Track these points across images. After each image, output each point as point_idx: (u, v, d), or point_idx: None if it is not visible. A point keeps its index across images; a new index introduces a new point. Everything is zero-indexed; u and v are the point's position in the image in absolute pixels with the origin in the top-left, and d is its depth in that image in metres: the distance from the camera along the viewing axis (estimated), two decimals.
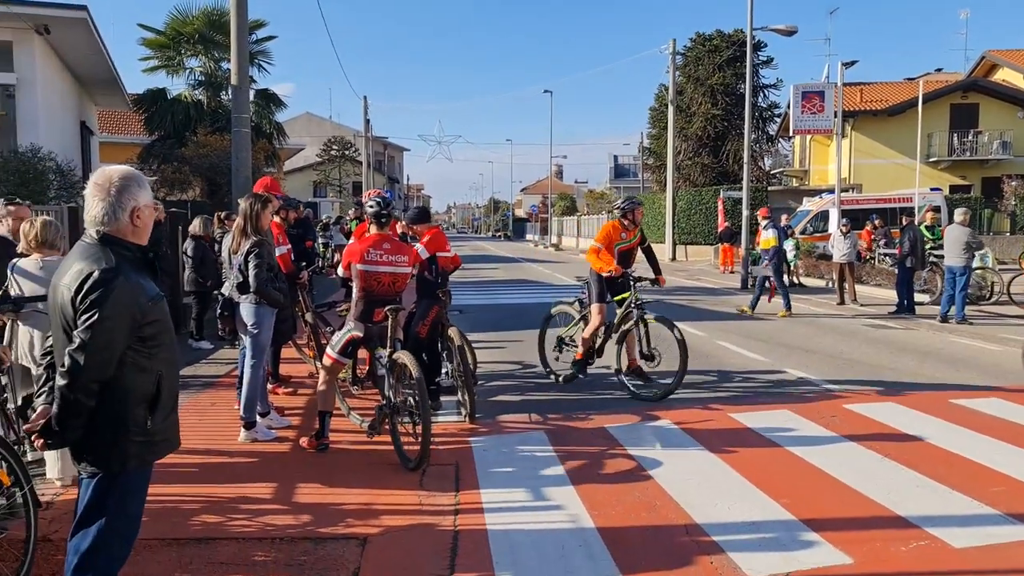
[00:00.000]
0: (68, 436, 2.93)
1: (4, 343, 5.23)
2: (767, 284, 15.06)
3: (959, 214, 13.80)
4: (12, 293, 5.17)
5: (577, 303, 9.01)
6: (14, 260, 5.28)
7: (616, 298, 8.53)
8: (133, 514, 3.08)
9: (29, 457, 5.37)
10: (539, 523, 4.78)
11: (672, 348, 7.92)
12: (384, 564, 4.20)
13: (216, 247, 10.70)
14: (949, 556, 4.22)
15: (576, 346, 8.65)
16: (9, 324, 5.22)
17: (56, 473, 5.31)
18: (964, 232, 13.35)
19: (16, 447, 4.69)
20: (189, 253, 10.75)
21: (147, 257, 3.07)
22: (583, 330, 8.55)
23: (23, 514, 4.01)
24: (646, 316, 8.17)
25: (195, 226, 10.88)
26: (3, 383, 5.25)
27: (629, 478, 5.57)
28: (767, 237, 14.86)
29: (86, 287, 2.84)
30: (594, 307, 8.44)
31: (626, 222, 8.64)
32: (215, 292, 10.64)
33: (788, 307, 14.57)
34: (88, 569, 2.98)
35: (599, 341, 8.51)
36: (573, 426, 6.94)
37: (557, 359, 8.89)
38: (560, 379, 8.65)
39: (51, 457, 5.35)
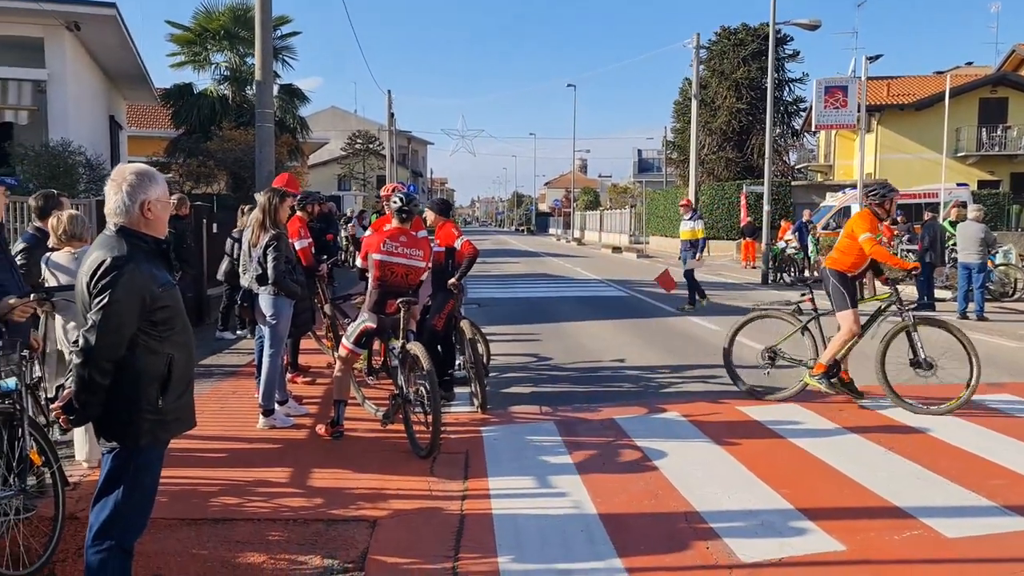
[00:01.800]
0: (87, 413, 3.16)
1: (38, 332, 5.47)
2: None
3: (973, 210, 13.78)
4: (47, 285, 5.41)
5: (795, 310, 7.95)
6: (47, 254, 5.52)
7: (869, 299, 7.99)
8: (147, 487, 3.29)
9: (58, 438, 5.62)
10: (543, 509, 4.94)
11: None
12: (392, 545, 4.38)
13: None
14: (940, 545, 4.33)
15: (800, 360, 7.72)
16: (44, 314, 5.46)
17: (83, 455, 5.55)
18: (979, 228, 13.31)
19: (46, 429, 4.93)
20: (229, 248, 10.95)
21: (161, 248, 3.29)
22: (801, 339, 7.72)
23: (51, 493, 4.24)
24: (915, 318, 7.38)
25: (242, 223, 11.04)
26: (36, 370, 5.49)
27: (634, 468, 5.71)
28: (690, 228, 14.83)
29: (99, 273, 3.07)
30: (848, 314, 7.37)
31: (880, 211, 7.62)
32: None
33: (692, 302, 14.57)
34: (106, 537, 3.20)
35: (845, 351, 7.47)
36: (583, 417, 7.08)
37: (768, 373, 7.84)
38: (763, 396, 7.69)
39: (79, 441, 5.60)
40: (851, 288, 7.48)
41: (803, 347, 7.77)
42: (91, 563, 3.22)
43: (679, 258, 15.13)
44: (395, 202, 6.60)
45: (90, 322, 3.07)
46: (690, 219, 15.04)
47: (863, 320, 7.45)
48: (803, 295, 8.08)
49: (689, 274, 14.77)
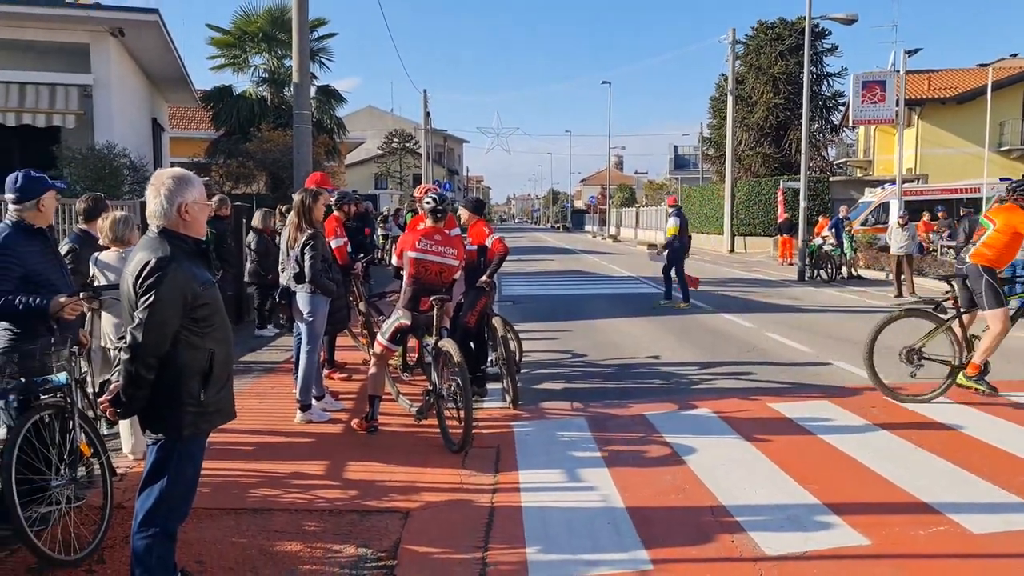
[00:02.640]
0: (133, 406, 3.36)
1: (85, 329, 5.71)
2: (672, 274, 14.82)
3: None
4: (96, 284, 5.65)
5: (937, 308, 7.70)
6: (96, 254, 5.77)
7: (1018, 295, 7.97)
8: (190, 477, 3.47)
9: (105, 431, 5.85)
10: (572, 502, 5.04)
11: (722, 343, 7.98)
12: (423, 535, 4.51)
13: (277, 239, 11.17)
14: (966, 540, 4.35)
15: (947, 360, 7.55)
16: (91, 312, 5.69)
17: (129, 448, 5.78)
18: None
19: (95, 422, 5.15)
20: (252, 246, 11.24)
21: (200, 248, 3.48)
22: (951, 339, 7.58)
23: (100, 484, 4.45)
24: None
25: (256, 219, 11.36)
26: (84, 365, 5.72)
27: (662, 463, 5.78)
28: (669, 225, 14.64)
29: (143, 273, 3.25)
30: (997, 312, 7.31)
31: None
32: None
33: (668, 297, 14.51)
34: (151, 524, 3.38)
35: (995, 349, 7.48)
36: (613, 413, 7.16)
37: (913, 375, 7.55)
38: (905, 399, 7.43)
39: (125, 434, 5.83)
40: (1000, 284, 7.43)
41: (944, 346, 7.62)
42: (137, 548, 3.40)
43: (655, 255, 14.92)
44: (428, 202, 6.74)
45: (137, 320, 3.25)
46: (672, 215, 14.77)
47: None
48: (947, 293, 7.96)
49: (668, 270, 14.64)
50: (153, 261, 3.26)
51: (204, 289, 3.37)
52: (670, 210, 15.06)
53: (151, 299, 3.22)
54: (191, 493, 3.53)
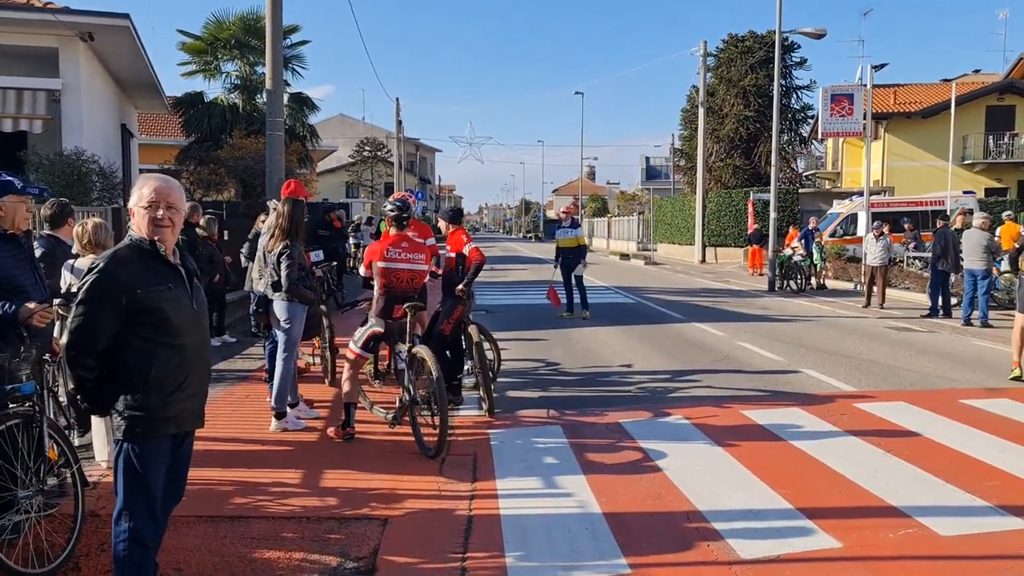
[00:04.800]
0: (90, 408, 3.48)
1: (56, 337, 5.64)
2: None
3: (978, 218, 13.86)
4: (71, 291, 5.59)
5: None
6: (71, 260, 5.71)
7: None
8: (146, 481, 3.38)
9: (77, 442, 5.79)
10: (549, 509, 5.08)
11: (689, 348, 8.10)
12: (402, 543, 4.52)
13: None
14: (934, 543, 4.46)
15: None
16: (61, 319, 5.63)
17: (103, 456, 5.71)
18: (983, 236, 13.45)
19: (67, 431, 5.09)
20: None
21: (158, 252, 3.41)
22: None
23: (71, 493, 4.40)
24: None
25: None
26: (55, 373, 5.66)
27: (638, 469, 5.84)
28: (572, 236, 14.54)
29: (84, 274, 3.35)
30: None
31: None
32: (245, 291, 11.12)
33: (571, 309, 14.48)
34: (118, 526, 3.38)
35: None
36: (588, 421, 7.22)
37: None
38: None
39: (98, 443, 5.76)
40: None
41: None
42: (114, 551, 3.41)
43: (555, 268, 14.79)
44: (391, 209, 6.76)
45: (70, 317, 3.33)
46: (570, 227, 14.75)
47: None
48: None
49: (579, 280, 14.63)
50: (95, 263, 3.33)
51: (147, 294, 3.32)
52: (568, 221, 14.94)
53: (79, 298, 3.29)
54: (151, 499, 3.41)
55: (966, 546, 4.43)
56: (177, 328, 3.41)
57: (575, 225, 14.87)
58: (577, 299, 14.55)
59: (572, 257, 14.45)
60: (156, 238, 3.40)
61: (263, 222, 11.40)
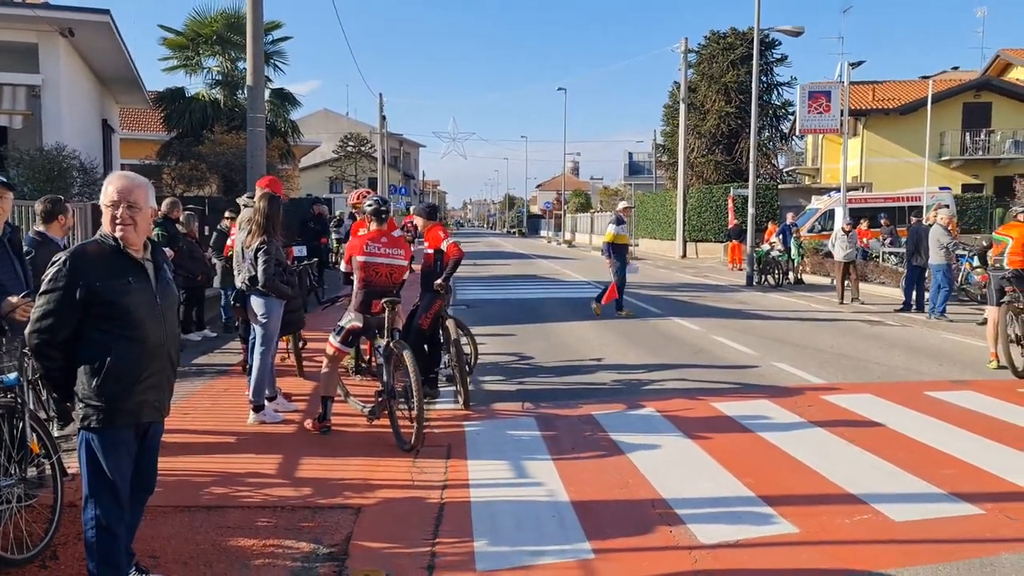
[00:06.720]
0: (55, 392, 3.63)
1: None
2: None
3: (942, 215, 14.12)
4: None
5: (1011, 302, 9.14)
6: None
7: None
8: (111, 471, 3.45)
9: (56, 433, 5.87)
10: (519, 497, 5.22)
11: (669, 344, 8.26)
12: (374, 530, 4.65)
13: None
14: (888, 527, 4.63)
15: None
16: None
17: None
18: (940, 231, 13.76)
19: (47, 423, 5.17)
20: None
21: (119, 248, 3.49)
22: None
23: (51, 483, 4.49)
24: None
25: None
26: (37, 367, 5.73)
27: (608, 459, 5.99)
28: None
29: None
30: None
31: None
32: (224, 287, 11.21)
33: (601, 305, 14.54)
34: (87, 511, 3.49)
35: None
36: (562, 413, 7.36)
37: None
38: None
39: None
40: None
41: None
42: (85, 537, 3.53)
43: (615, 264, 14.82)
44: (371, 204, 6.87)
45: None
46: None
47: None
48: (1012, 291, 9.09)
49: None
50: (59, 256, 3.47)
51: (105, 287, 3.40)
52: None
53: (41, 289, 3.43)
54: (114, 488, 3.47)
55: (917, 530, 4.61)
56: (138, 321, 3.48)
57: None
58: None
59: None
60: (119, 235, 3.49)
61: (228, 218, 11.51)
